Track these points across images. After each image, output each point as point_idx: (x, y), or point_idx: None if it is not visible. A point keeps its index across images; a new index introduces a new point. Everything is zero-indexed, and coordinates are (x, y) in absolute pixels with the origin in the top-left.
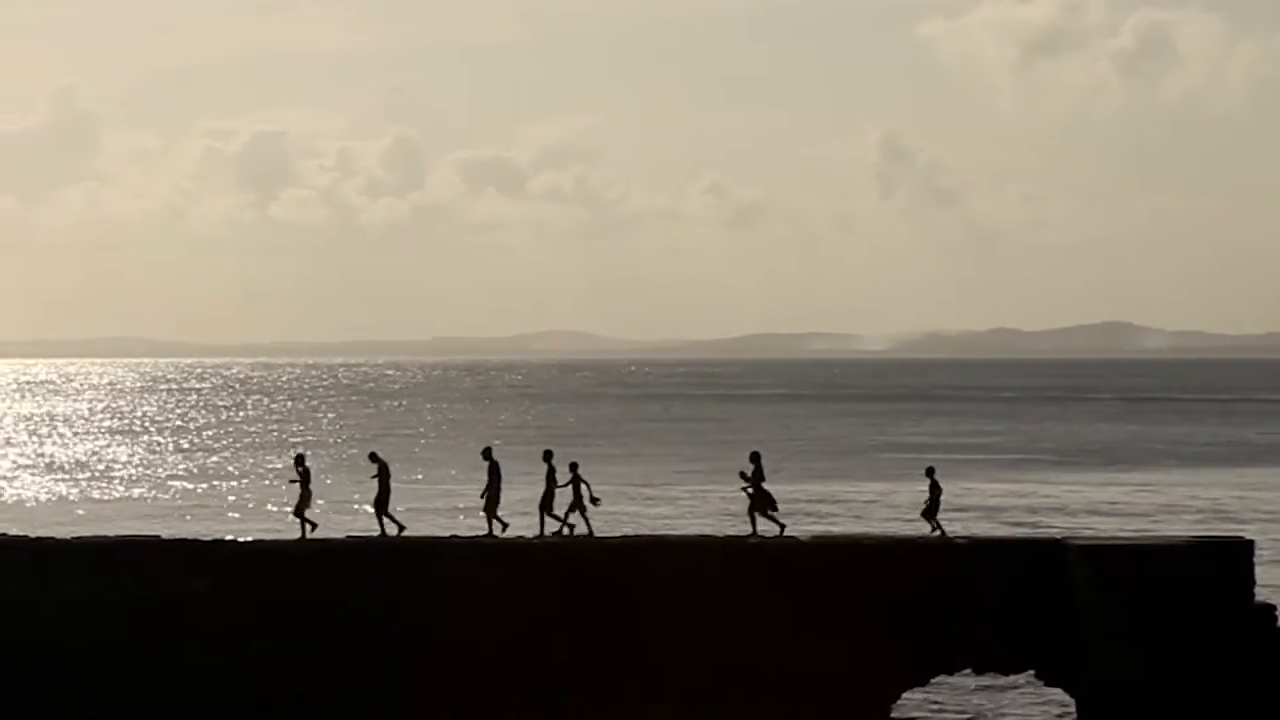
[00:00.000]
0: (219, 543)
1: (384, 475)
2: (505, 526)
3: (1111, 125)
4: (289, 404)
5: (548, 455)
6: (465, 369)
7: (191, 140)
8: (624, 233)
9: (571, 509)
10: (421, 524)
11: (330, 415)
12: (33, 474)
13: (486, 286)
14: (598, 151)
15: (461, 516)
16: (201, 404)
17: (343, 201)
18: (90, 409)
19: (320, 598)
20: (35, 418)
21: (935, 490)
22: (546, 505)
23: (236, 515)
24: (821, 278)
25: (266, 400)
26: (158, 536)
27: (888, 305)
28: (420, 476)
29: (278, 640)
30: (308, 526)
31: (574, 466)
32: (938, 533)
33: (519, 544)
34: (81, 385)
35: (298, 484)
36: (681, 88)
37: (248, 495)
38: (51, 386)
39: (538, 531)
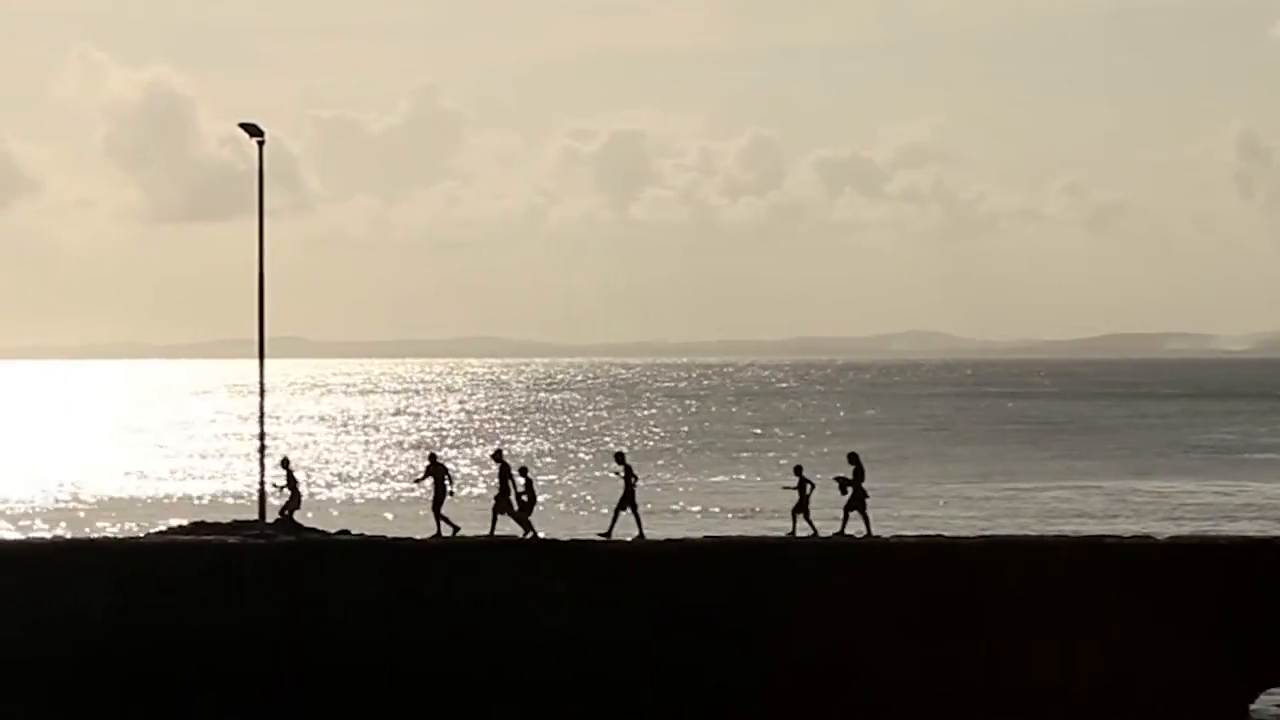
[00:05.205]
0: (574, 543)
1: (440, 476)
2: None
3: None
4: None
5: (620, 458)
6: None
7: (550, 140)
8: (981, 233)
9: (624, 505)
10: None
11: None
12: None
13: (844, 286)
14: (955, 151)
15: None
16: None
17: (702, 201)
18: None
19: (671, 597)
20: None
21: (804, 488)
22: (628, 503)
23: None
24: (1179, 277)
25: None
26: (514, 537)
27: (1246, 305)
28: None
29: (633, 640)
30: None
31: (620, 457)
32: (809, 532)
33: (870, 543)
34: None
35: (286, 488)
36: (1039, 87)
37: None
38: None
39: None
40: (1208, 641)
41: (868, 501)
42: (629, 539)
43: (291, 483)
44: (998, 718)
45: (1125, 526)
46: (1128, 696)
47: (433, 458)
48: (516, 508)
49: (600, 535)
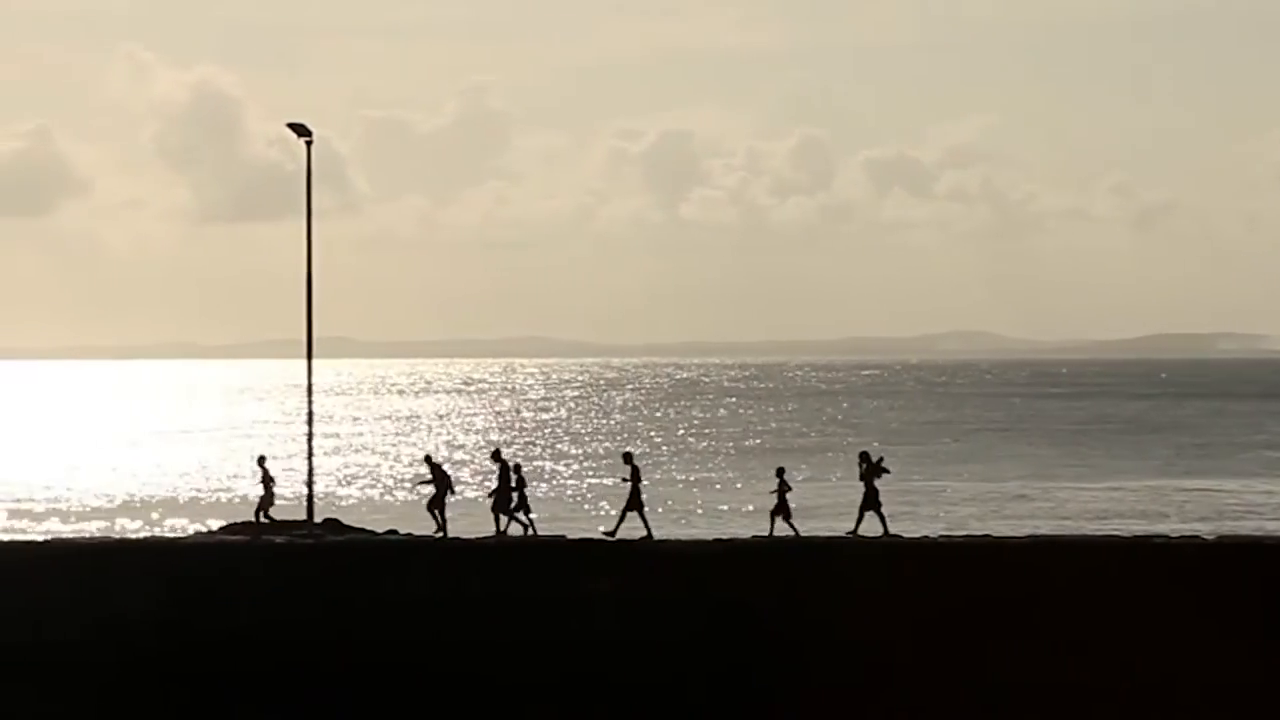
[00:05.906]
0: (623, 543)
1: (439, 478)
2: (526, 527)
3: None
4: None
5: (628, 458)
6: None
7: (599, 140)
8: (1028, 233)
9: (630, 507)
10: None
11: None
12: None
13: (892, 286)
14: (1002, 151)
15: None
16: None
17: (751, 201)
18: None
19: (716, 597)
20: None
21: (783, 490)
22: (634, 505)
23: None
24: (1228, 277)
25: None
26: (562, 536)
27: None
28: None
29: (677, 640)
30: (264, 524)
31: (628, 457)
32: (767, 533)
33: (922, 542)
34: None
35: (262, 485)
36: (1086, 88)
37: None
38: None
39: (612, 529)
40: (1254, 641)
41: (877, 500)
42: (629, 538)
43: (266, 481)
44: (1042, 717)
45: (1172, 526)
46: (1172, 696)
47: (428, 459)
48: (514, 504)
49: (605, 533)
